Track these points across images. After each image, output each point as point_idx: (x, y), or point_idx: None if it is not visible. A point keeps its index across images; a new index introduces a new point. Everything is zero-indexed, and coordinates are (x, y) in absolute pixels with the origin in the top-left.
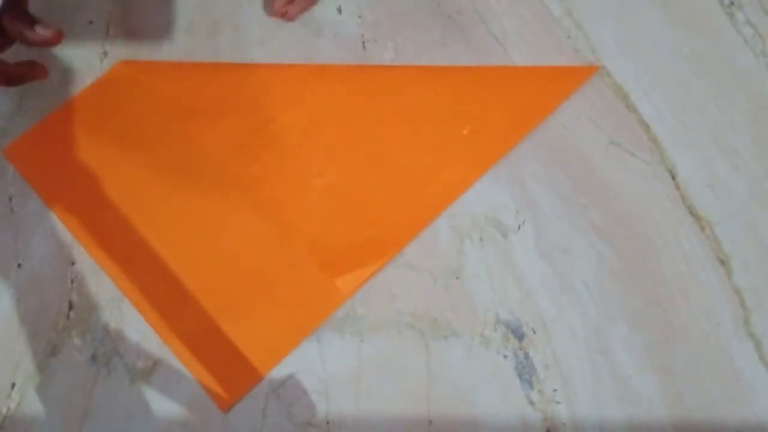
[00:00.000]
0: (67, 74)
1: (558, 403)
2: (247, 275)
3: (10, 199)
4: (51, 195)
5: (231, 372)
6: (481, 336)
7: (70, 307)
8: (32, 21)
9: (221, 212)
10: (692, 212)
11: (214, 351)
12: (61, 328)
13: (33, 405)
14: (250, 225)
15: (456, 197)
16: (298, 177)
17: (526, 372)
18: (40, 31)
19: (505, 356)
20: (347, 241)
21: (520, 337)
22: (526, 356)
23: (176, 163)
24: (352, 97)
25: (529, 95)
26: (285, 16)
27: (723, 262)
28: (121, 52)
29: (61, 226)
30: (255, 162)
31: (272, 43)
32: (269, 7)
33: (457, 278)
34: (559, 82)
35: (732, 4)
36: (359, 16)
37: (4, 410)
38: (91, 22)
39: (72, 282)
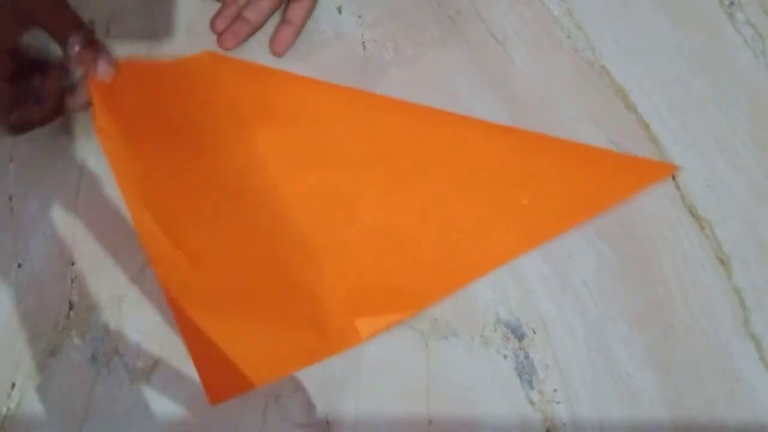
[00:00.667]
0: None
1: (558, 403)
2: (272, 286)
3: (10, 199)
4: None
5: (229, 371)
6: (481, 336)
7: (70, 307)
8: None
9: (261, 221)
10: (692, 212)
11: (221, 344)
12: (61, 328)
13: (33, 405)
14: (286, 241)
15: (497, 266)
16: (345, 207)
17: (526, 372)
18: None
19: (505, 356)
20: (378, 285)
21: (520, 337)
22: (526, 356)
23: (228, 161)
24: (416, 138)
25: (599, 180)
26: (224, 39)
27: (723, 262)
28: (121, 51)
29: (61, 226)
30: (304, 181)
31: None
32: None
33: None
34: (632, 174)
35: (732, 4)
36: (359, 16)
37: (4, 410)
38: (92, 22)
39: (72, 282)
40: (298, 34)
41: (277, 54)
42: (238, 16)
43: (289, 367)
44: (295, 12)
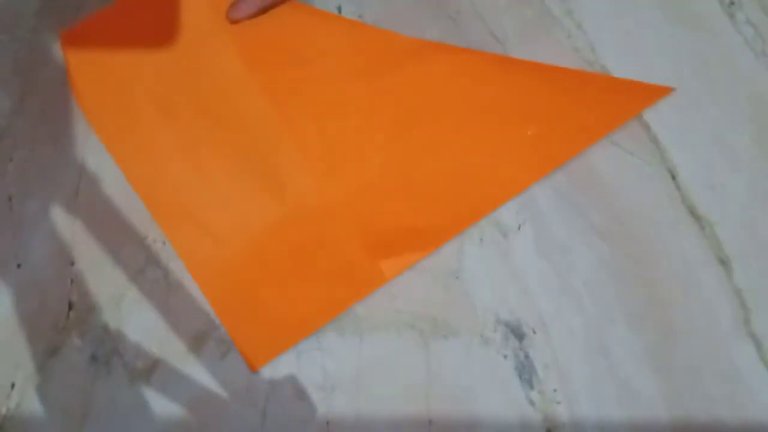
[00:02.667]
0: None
1: (558, 403)
2: (292, 242)
3: (10, 199)
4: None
5: (264, 334)
6: (481, 336)
7: (70, 307)
8: None
9: (270, 167)
10: (692, 212)
11: (251, 311)
12: (61, 328)
13: (33, 405)
14: (299, 194)
15: (508, 198)
16: (358, 147)
17: (526, 372)
18: None
19: (505, 356)
20: (397, 225)
21: (520, 337)
22: (526, 356)
23: (237, 99)
24: (424, 75)
25: (598, 105)
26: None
27: (723, 262)
28: None
29: (61, 226)
30: (313, 121)
31: None
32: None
33: (457, 278)
34: (632, 97)
35: (732, 4)
36: (359, 16)
37: (4, 410)
38: None
39: (72, 282)
40: (260, 7)
41: (232, 20)
42: None
43: (320, 319)
44: None
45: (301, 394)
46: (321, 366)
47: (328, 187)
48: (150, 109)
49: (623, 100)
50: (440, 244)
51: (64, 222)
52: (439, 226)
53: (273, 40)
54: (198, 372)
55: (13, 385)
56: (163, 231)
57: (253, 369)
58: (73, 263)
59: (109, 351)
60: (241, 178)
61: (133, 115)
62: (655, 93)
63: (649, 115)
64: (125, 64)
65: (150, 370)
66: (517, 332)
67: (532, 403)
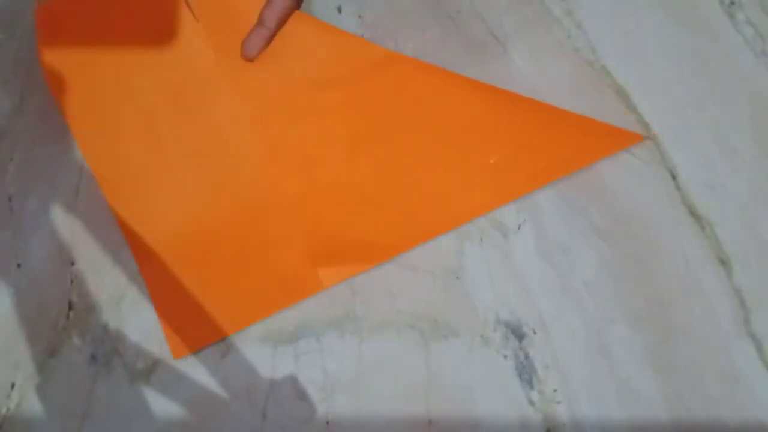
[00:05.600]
0: None
1: (558, 403)
2: (236, 236)
3: (10, 199)
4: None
5: (193, 323)
6: (481, 336)
7: (70, 307)
8: None
9: (227, 172)
10: (692, 212)
11: (184, 297)
12: (61, 328)
13: (33, 405)
14: (252, 190)
15: (462, 223)
16: (318, 153)
17: (526, 372)
18: None
19: (505, 356)
20: (343, 235)
21: (520, 337)
22: (526, 356)
23: (204, 91)
24: (395, 89)
25: (567, 143)
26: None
27: (723, 262)
28: None
29: (61, 226)
30: (272, 132)
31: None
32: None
33: (457, 278)
34: (601, 139)
35: (732, 4)
36: (359, 16)
37: (4, 410)
38: None
39: (72, 282)
40: (270, 37)
41: (248, 57)
42: (258, 22)
43: (250, 317)
44: (267, 14)
45: (301, 394)
46: (321, 366)
47: (282, 188)
48: (114, 90)
49: (592, 142)
50: (383, 260)
51: (64, 222)
52: (385, 242)
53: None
54: (198, 372)
55: (13, 385)
56: (108, 200)
57: (176, 356)
58: (73, 263)
59: (109, 351)
60: (197, 167)
61: (97, 94)
62: (625, 139)
63: (649, 115)
64: (95, 45)
65: (150, 370)
66: (517, 332)
67: (532, 403)
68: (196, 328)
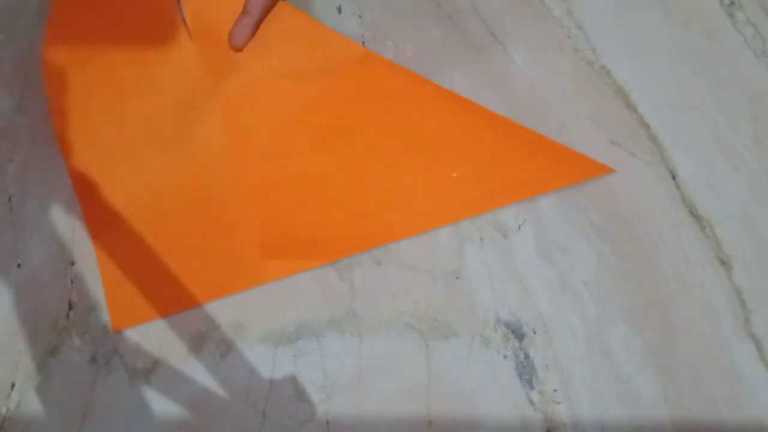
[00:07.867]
0: None
1: (558, 403)
2: (192, 219)
3: (10, 199)
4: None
5: (137, 297)
6: (481, 336)
7: (70, 307)
8: None
9: (190, 157)
10: (692, 212)
11: (132, 270)
12: (61, 328)
13: (33, 405)
14: (212, 176)
15: (414, 233)
16: (283, 145)
17: (526, 372)
18: None
19: (505, 356)
20: (295, 231)
21: (520, 337)
22: (526, 356)
23: (180, 70)
24: (366, 91)
25: (533, 166)
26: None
27: (723, 262)
28: None
29: (61, 226)
30: (248, 110)
31: None
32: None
33: (457, 278)
34: (569, 167)
35: (732, 4)
36: (359, 16)
37: (4, 410)
38: None
39: (72, 282)
40: (255, 26)
41: (236, 48)
42: (243, 10)
43: (193, 299)
44: (252, 2)
45: (301, 394)
46: (321, 366)
47: (244, 175)
48: (93, 73)
49: (558, 168)
50: (332, 260)
51: (64, 222)
52: (337, 242)
53: (226, 28)
54: (198, 372)
55: (13, 385)
56: (68, 167)
57: (115, 328)
58: (73, 263)
59: (109, 351)
60: (162, 141)
61: (77, 78)
62: (594, 169)
63: (649, 115)
64: (94, 44)
65: (150, 370)
66: (517, 332)
67: (532, 403)
68: (140, 303)
